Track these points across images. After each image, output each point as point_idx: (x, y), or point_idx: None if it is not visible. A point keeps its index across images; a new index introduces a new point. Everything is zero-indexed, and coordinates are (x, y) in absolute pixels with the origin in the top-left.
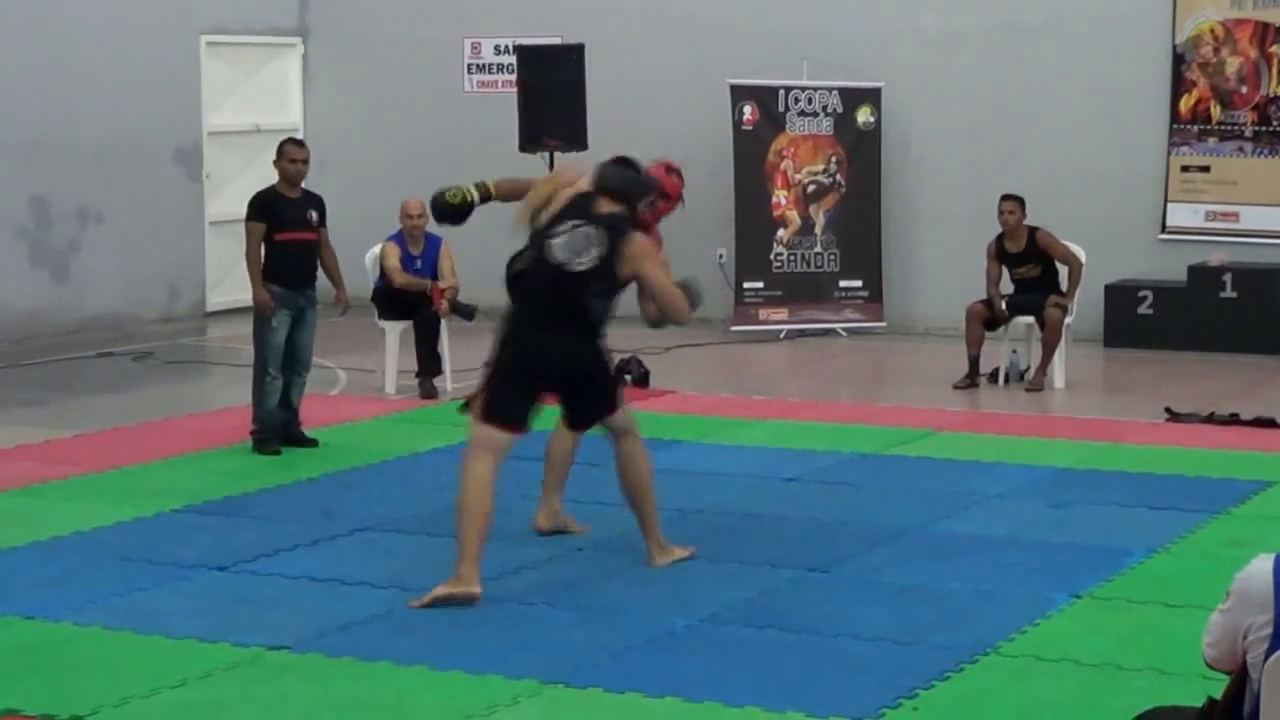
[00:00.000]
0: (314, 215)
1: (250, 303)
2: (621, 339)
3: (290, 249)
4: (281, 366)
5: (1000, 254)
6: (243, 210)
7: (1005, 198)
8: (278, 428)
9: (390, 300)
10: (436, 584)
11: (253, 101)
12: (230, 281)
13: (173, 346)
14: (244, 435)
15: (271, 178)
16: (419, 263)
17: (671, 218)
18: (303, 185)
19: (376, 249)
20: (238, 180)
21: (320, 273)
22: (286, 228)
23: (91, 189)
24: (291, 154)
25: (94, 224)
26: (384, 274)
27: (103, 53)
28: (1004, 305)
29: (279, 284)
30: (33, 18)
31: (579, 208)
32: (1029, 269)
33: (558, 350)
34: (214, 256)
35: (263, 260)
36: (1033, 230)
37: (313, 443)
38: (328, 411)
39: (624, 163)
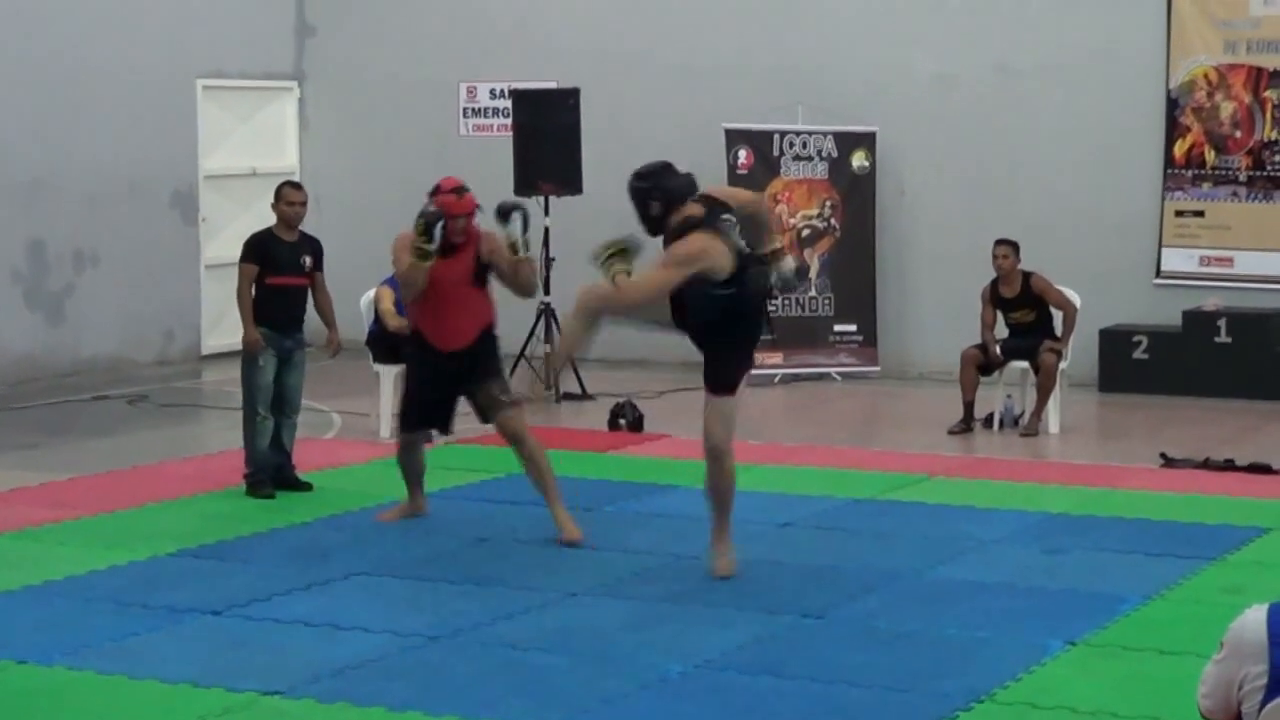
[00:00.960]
0: (308, 260)
1: (239, 344)
2: (617, 383)
3: (280, 293)
4: (271, 409)
5: (995, 299)
6: (237, 253)
7: (999, 242)
8: (271, 470)
9: (385, 344)
10: (424, 626)
11: (249, 145)
12: (226, 325)
13: (168, 390)
14: (238, 479)
15: (268, 220)
16: None
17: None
18: (300, 228)
19: (371, 292)
20: (234, 223)
21: (312, 315)
22: (279, 272)
23: (88, 232)
24: (289, 197)
25: (90, 267)
26: (378, 318)
27: (100, 96)
28: (998, 350)
29: (266, 326)
30: (31, 61)
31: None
32: (1023, 314)
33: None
34: (209, 300)
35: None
36: (1027, 275)
37: (307, 486)
38: (322, 455)
39: (664, 172)
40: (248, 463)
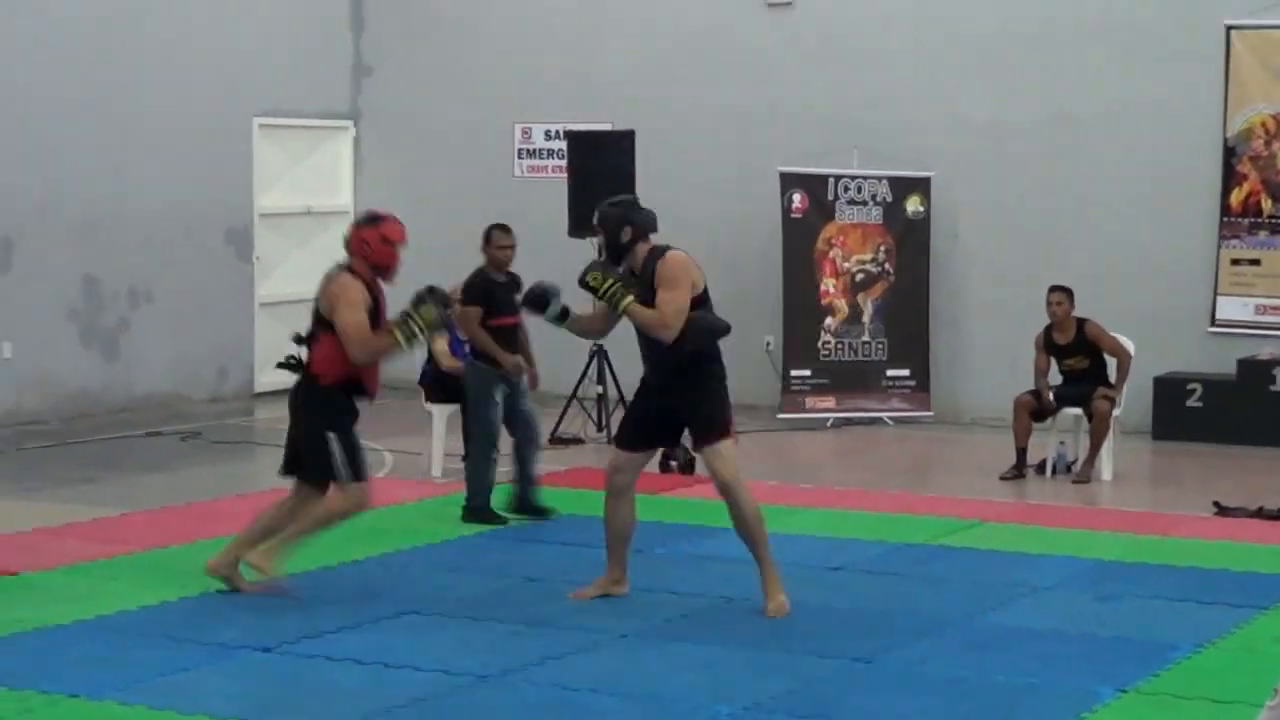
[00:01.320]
0: (519, 299)
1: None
2: None
3: (502, 332)
4: (514, 438)
5: (1048, 345)
6: (291, 291)
7: (1053, 289)
8: (516, 497)
9: (437, 383)
10: (474, 665)
11: (304, 184)
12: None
13: (221, 426)
14: None
15: (321, 258)
16: (467, 347)
17: (719, 300)
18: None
19: None
20: (288, 261)
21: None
22: (500, 313)
23: (143, 269)
24: (500, 241)
25: (144, 304)
26: (431, 358)
27: (156, 134)
28: (1052, 397)
29: (492, 365)
30: (88, 99)
31: None
32: (1077, 360)
33: None
34: (263, 337)
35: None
36: (1081, 321)
37: (550, 511)
38: (373, 494)
39: (636, 203)
40: (473, 495)
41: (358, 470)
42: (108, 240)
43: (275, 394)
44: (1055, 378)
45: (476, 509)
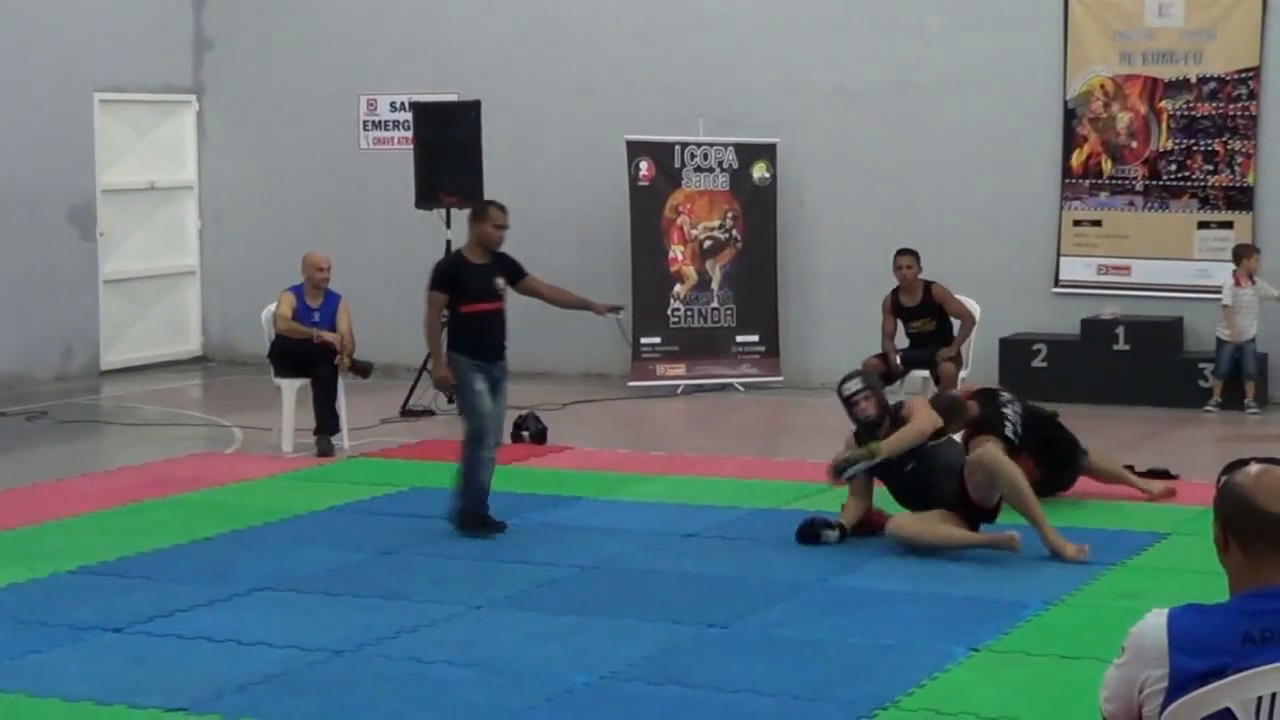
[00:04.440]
0: (500, 283)
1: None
2: (520, 395)
3: (476, 321)
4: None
5: (895, 308)
6: (136, 268)
7: (901, 252)
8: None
9: (286, 357)
10: (328, 640)
11: (148, 159)
12: (125, 341)
13: (67, 406)
14: (139, 495)
15: (166, 234)
16: (316, 315)
17: (568, 270)
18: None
19: (273, 306)
20: (132, 238)
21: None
22: (471, 299)
23: None
24: (499, 219)
25: None
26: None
27: None
28: (899, 360)
29: (468, 355)
30: None
31: None
32: (924, 323)
33: None
34: (108, 315)
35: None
36: (928, 284)
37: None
38: (223, 470)
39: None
40: (460, 496)
41: None
42: None
43: (121, 372)
44: (902, 341)
45: (463, 512)
